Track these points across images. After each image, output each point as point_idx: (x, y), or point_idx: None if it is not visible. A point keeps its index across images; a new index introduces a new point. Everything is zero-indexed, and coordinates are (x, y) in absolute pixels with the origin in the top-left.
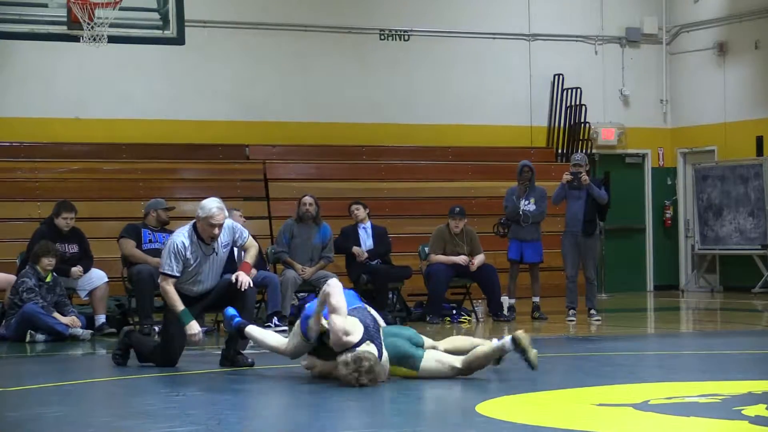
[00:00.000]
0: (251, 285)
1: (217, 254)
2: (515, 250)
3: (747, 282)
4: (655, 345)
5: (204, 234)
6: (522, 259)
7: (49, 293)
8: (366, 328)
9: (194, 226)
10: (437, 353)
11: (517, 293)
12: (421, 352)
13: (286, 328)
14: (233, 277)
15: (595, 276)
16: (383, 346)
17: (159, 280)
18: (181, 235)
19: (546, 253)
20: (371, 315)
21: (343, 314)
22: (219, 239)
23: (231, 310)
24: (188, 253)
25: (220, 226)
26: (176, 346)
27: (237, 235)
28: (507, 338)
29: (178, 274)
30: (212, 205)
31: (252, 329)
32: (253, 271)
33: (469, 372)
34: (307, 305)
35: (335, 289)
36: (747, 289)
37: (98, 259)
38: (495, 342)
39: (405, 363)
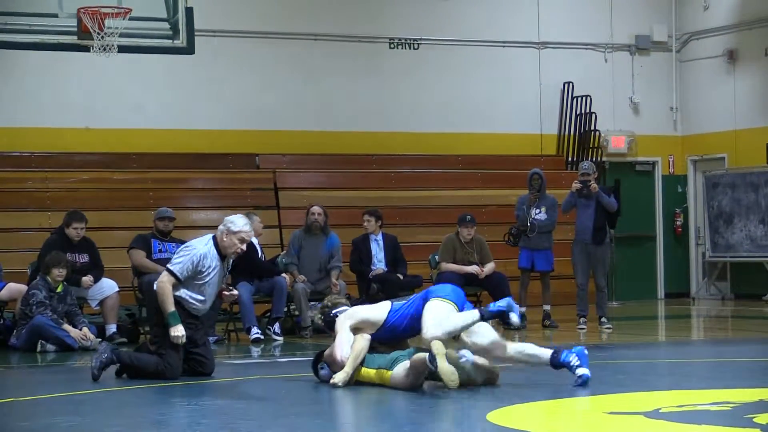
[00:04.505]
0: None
1: (224, 274)
2: (526, 259)
3: (758, 289)
4: (666, 353)
5: (228, 249)
6: (533, 268)
7: (60, 303)
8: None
9: (214, 241)
10: (405, 362)
11: (528, 301)
12: (399, 362)
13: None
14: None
15: (605, 284)
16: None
17: (161, 277)
18: (205, 247)
19: (556, 262)
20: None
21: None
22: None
23: None
24: (207, 265)
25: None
26: (176, 356)
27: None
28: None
29: (182, 279)
30: (243, 221)
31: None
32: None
33: (414, 380)
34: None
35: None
36: (758, 297)
37: (109, 269)
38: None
39: (385, 366)
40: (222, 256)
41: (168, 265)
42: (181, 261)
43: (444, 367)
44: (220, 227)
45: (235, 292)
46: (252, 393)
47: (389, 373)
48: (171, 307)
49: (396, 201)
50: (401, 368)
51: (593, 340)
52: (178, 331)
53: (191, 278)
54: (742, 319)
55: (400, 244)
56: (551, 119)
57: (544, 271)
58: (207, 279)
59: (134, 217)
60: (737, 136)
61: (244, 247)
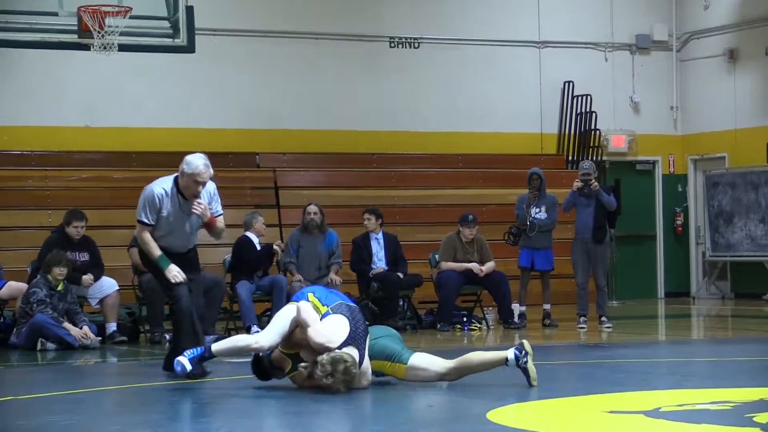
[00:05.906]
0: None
1: (190, 215)
2: (526, 258)
3: (758, 289)
4: (666, 352)
5: (186, 191)
6: (533, 267)
7: (61, 301)
8: (353, 330)
9: (176, 180)
10: (426, 354)
11: (528, 300)
12: (410, 353)
13: None
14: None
15: (605, 283)
16: (366, 349)
17: (135, 230)
18: (160, 186)
19: (557, 261)
20: (361, 315)
21: (315, 323)
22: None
23: (187, 355)
24: (162, 205)
25: (204, 184)
26: (190, 309)
27: (213, 203)
28: (511, 350)
29: (153, 223)
30: (199, 162)
31: (218, 346)
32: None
33: (457, 377)
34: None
35: (302, 307)
36: (758, 296)
37: (109, 268)
38: (497, 352)
39: (393, 358)
40: (185, 196)
41: (136, 218)
42: (139, 209)
43: (532, 366)
44: (180, 166)
45: (204, 203)
46: (251, 393)
47: (392, 365)
48: (156, 251)
49: (396, 200)
50: (430, 363)
51: (593, 339)
52: (172, 271)
53: (157, 221)
54: (742, 319)
55: (400, 243)
56: (551, 118)
57: (544, 270)
58: (163, 221)
59: (134, 215)
60: (737, 136)
61: (200, 189)
